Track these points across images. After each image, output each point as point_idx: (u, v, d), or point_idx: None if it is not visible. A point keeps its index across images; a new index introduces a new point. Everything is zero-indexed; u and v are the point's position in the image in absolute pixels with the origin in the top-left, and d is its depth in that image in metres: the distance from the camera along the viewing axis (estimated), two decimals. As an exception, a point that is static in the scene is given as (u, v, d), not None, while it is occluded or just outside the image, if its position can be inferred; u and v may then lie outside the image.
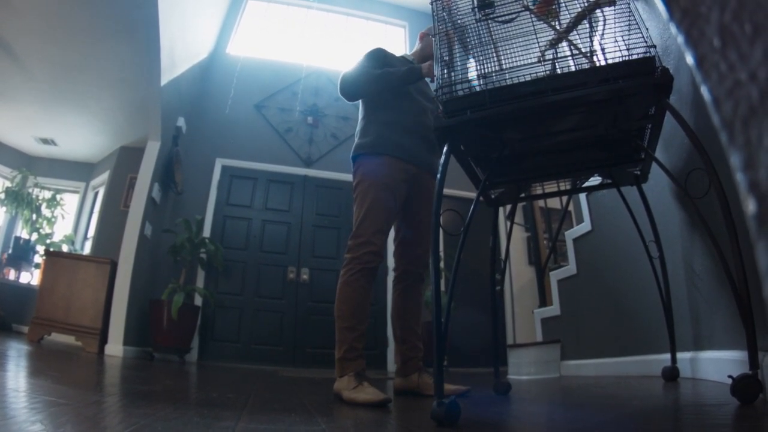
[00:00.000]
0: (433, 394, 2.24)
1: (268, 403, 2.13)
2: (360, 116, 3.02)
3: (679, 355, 2.79)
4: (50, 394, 1.71)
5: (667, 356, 2.80)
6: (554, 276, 4.78)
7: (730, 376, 1.61)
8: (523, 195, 2.88)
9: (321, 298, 6.37)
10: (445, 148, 1.86)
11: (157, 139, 5.60)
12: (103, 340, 4.94)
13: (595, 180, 2.96)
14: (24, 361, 2.92)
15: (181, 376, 3.38)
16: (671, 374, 2.72)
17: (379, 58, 3.00)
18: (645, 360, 3.35)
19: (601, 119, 2.06)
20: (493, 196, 2.74)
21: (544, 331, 4.88)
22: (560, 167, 2.59)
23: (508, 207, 3.14)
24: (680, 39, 0.44)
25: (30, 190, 7.63)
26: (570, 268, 4.54)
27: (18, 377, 2.19)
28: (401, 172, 2.76)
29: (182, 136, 6.34)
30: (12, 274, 7.44)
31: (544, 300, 5.48)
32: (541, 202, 6.27)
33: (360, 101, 3.02)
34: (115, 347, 4.88)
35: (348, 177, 6.20)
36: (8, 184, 7.58)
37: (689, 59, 0.43)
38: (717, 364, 2.44)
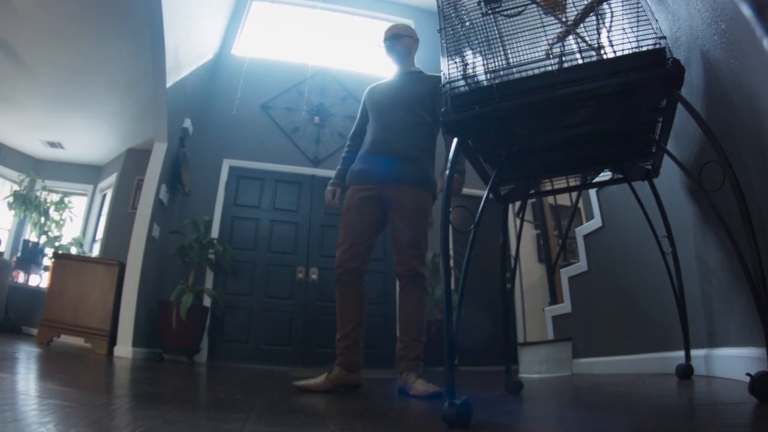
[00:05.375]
0: (416, 395, 2.59)
1: (277, 404, 2.11)
2: None
3: (693, 353, 2.75)
4: (59, 397, 1.70)
5: (681, 353, 2.77)
6: (565, 273, 4.74)
7: (748, 374, 1.57)
8: (532, 191, 2.84)
9: (330, 298, 6.32)
10: (453, 144, 1.83)
11: (164, 140, 5.60)
12: (112, 341, 4.94)
13: (605, 175, 2.93)
14: (33, 364, 2.92)
15: (189, 377, 3.37)
16: (685, 372, 2.68)
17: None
18: (658, 357, 3.31)
19: (611, 112, 2.03)
20: (502, 193, 2.71)
21: (556, 329, 4.84)
22: (570, 162, 2.56)
23: (518, 204, 3.11)
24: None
25: (38, 194, 7.64)
26: (581, 265, 4.50)
27: (27, 380, 2.18)
28: (361, 191, 3.10)
29: (189, 137, 6.33)
30: (21, 277, 7.45)
31: (554, 297, 5.45)
32: (550, 199, 6.24)
33: None
34: (124, 349, 4.88)
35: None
36: (16, 187, 7.62)
37: (745, 10, 0.39)
38: (732, 362, 2.40)
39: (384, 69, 7.74)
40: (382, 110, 3.22)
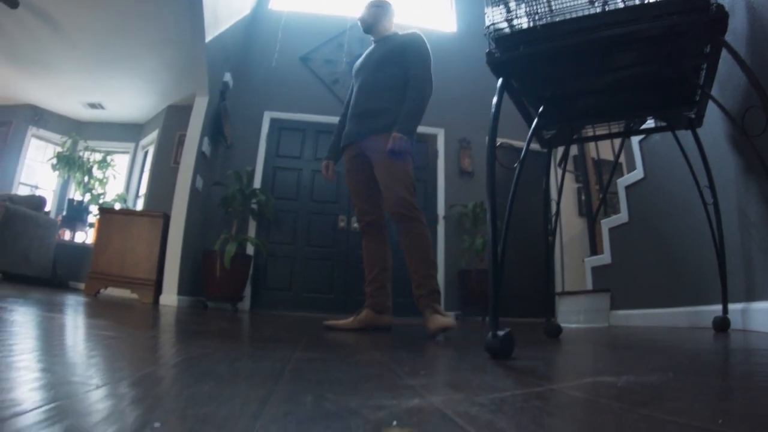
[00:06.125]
0: (431, 336, 2.70)
1: (322, 340, 2.17)
2: None
3: (731, 306, 2.75)
4: (108, 330, 1.76)
5: (718, 307, 2.77)
6: (606, 224, 4.74)
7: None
8: (576, 137, 2.84)
9: (371, 247, 6.42)
10: (498, 84, 1.83)
11: (205, 94, 5.66)
12: (158, 291, 5.10)
13: (648, 124, 2.92)
14: (82, 309, 3.02)
15: (235, 320, 3.46)
16: (722, 324, 2.68)
17: None
18: (695, 311, 3.31)
19: (654, 57, 2.02)
20: (546, 137, 2.71)
21: (595, 280, 4.87)
22: (614, 108, 2.54)
23: (560, 157, 3.11)
24: None
25: (81, 154, 7.82)
26: (622, 216, 4.50)
27: (76, 319, 2.27)
28: (349, 152, 3.43)
29: (229, 91, 6.39)
30: (67, 235, 7.66)
31: (595, 249, 5.45)
32: (593, 153, 6.20)
33: None
34: (170, 297, 5.04)
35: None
36: (59, 149, 7.78)
37: None
38: (770, 315, 2.41)
39: (421, 19, 7.67)
40: (359, 77, 3.48)
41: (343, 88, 7.26)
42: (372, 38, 3.57)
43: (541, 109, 2.01)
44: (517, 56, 1.84)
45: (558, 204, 3.22)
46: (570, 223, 6.74)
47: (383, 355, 1.61)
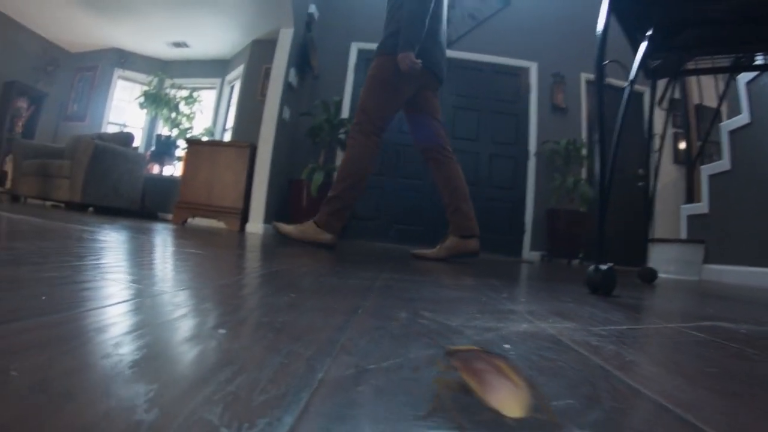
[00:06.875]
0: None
1: (411, 265, 2.18)
2: None
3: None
4: (193, 249, 1.78)
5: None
6: (705, 171, 4.49)
7: None
8: (682, 69, 2.63)
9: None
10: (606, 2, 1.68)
11: (290, 26, 5.60)
12: (244, 219, 5.23)
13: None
14: (169, 233, 3.09)
15: (321, 246, 3.47)
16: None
17: None
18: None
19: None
20: (651, 67, 2.53)
21: (690, 230, 4.66)
22: (725, 40, 2.33)
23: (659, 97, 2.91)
24: None
25: (167, 91, 8.09)
26: (723, 162, 4.24)
27: (165, 241, 2.31)
28: None
29: (315, 22, 6.30)
30: (156, 169, 7.93)
31: (691, 197, 5.21)
32: (696, 99, 5.91)
33: None
34: (256, 225, 5.15)
35: (489, 58, 6.28)
36: (146, 88, 8.04)
37: None
38: None
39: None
40: None
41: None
42: None
43: (650, 32, 1.85)
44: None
45: (662, 138, 3.01)
46: (665, 170, 6.45)
47: (475, 281, 1.57)
